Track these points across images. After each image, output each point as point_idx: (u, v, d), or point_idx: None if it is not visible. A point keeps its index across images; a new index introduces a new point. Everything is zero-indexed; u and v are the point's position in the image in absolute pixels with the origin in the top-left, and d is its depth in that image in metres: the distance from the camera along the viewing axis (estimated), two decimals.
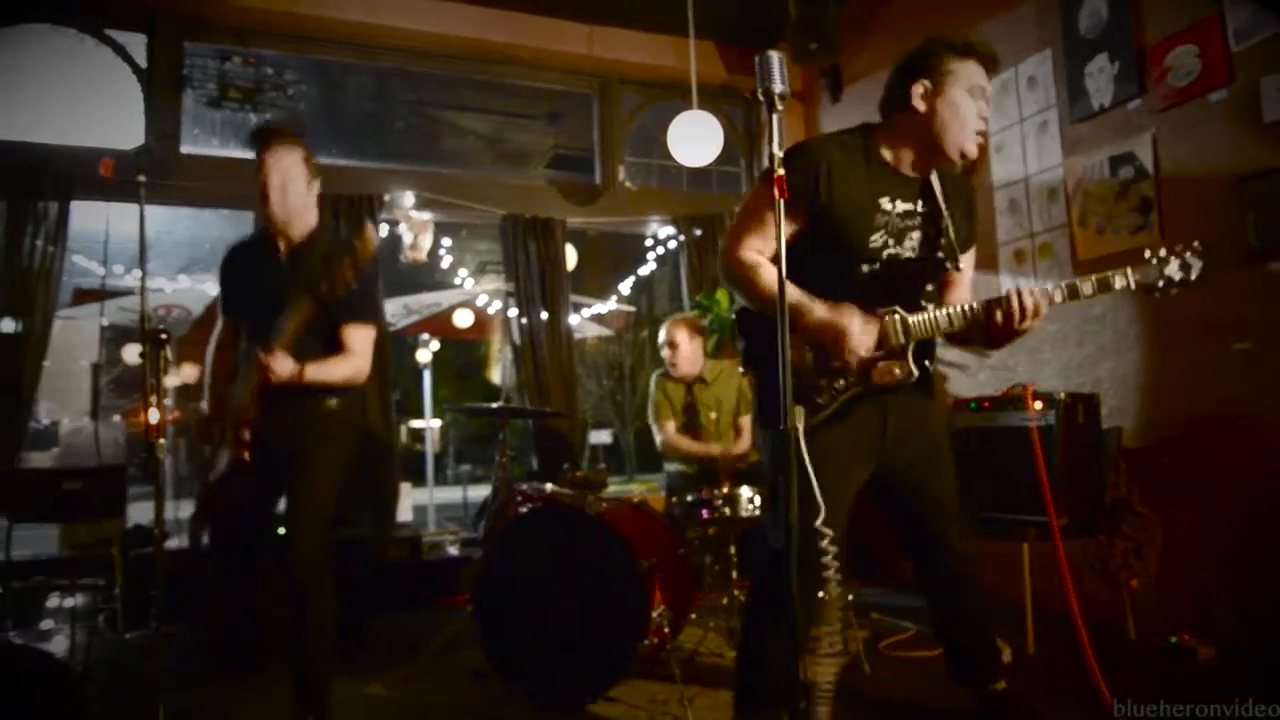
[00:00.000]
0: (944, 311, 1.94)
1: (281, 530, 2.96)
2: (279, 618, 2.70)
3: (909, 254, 1.98)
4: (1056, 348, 3.78)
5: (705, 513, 3.19)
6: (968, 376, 4.24)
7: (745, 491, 3.13)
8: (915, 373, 1.94)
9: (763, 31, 4.61)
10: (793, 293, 1.87)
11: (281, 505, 2.64)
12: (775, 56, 1.55)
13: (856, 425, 1.95)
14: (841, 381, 1.95)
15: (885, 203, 1.94)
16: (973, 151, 1.94)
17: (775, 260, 1.63)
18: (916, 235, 1.98)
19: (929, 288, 2.06)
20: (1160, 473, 3.27)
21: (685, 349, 4.02)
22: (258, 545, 2.68)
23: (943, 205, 2.00)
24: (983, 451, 3.23)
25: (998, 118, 4.09)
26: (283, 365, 2.35)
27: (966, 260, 2.06)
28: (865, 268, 1.95)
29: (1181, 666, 2.83)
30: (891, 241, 1.95)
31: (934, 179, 2.02)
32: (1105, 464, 3.27)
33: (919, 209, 1.99)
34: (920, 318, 1.94)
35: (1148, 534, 3.25)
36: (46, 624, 3.87)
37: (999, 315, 1.88)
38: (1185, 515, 3.19)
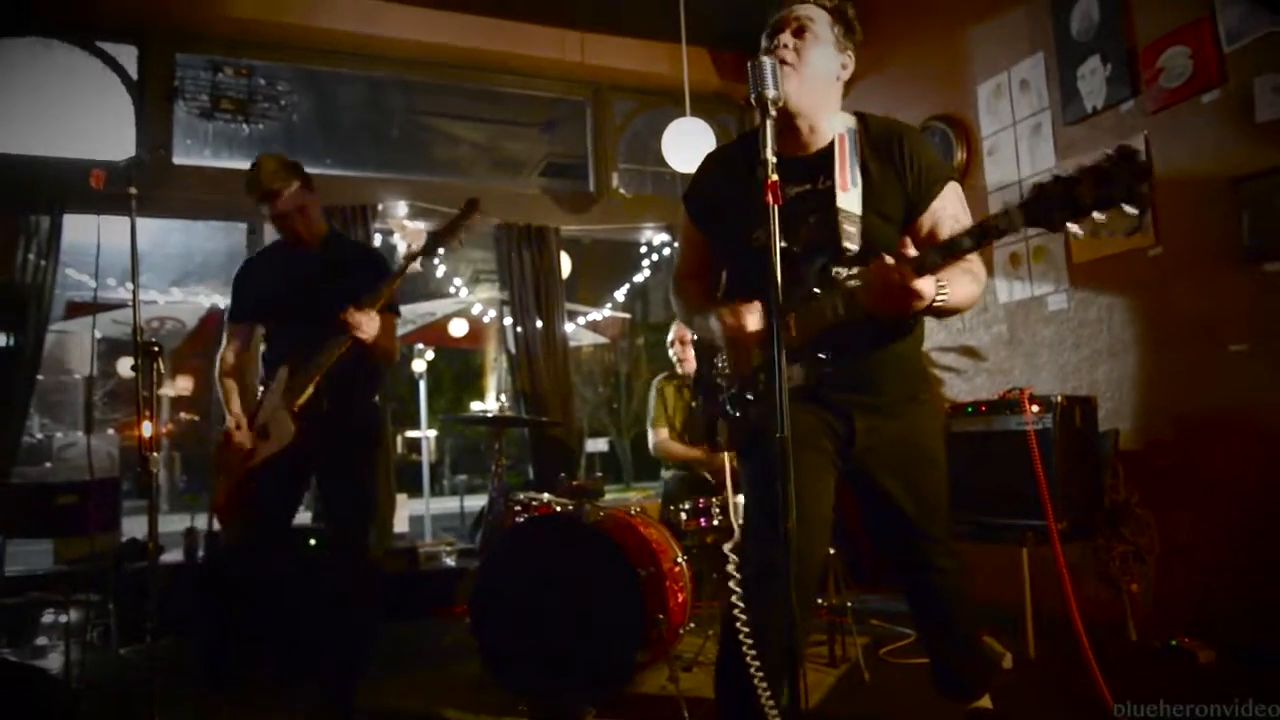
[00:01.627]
0: (826, 297, 1.75)
1: (312, 541, 3.06)
2: (275, 633, 2.74)
3: (808, 240, 1.84)
4: (1053, 351, 3.79)
5: (703, 520, 3.19)
6: (964, 381, 4.25)
7: (743, 498, 3.12)
8: (811, 373, 1.79)
9: (755, 37, 4.63)
10: (703, 308, 1.94)
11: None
12: (768, 62, 1.55)
13: (803, 429, 1.76)
14: (750, 395, 1.89)
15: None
16: (775, 93, 1.54)
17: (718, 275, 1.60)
18: (813, 219, 1.84)
19: (839, 272, 1.78)
20: (1158, 475, 3.27)
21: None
22: (274, 552, 2.80)
23: (846, 171, 1.84)
24: (980, 456, 3.23)
25: (991, 121, 4.12)
26: (370, 323, 2.60)
27: (938, 205, 1.84)
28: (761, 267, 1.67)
29: (1182, 669, 2.83)
30: (782, 234, 1.67)
31: (838, 145, 1.86)
32: (1103, 467, 3.27)
33: (818, 187, 1.85)
34: (805, 310, 1.79)
35: (1147, 537, 3.25)
36: (40, 640, 3.85)
37: (863, 293, 1.67)
38: (1184, 517, 3.19)
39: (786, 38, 1.83)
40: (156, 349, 2.28)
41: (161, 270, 6.78)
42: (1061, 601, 2.48)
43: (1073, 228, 1.37)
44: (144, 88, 4.52)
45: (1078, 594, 2.48)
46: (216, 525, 3.03)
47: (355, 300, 2.64)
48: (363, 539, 2.79)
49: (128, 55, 4.54)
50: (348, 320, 2.59)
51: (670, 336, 4.21)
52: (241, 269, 3.01)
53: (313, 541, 3.49)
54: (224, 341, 2.96)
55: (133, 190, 2.37)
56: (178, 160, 4.55)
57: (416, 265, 2.71)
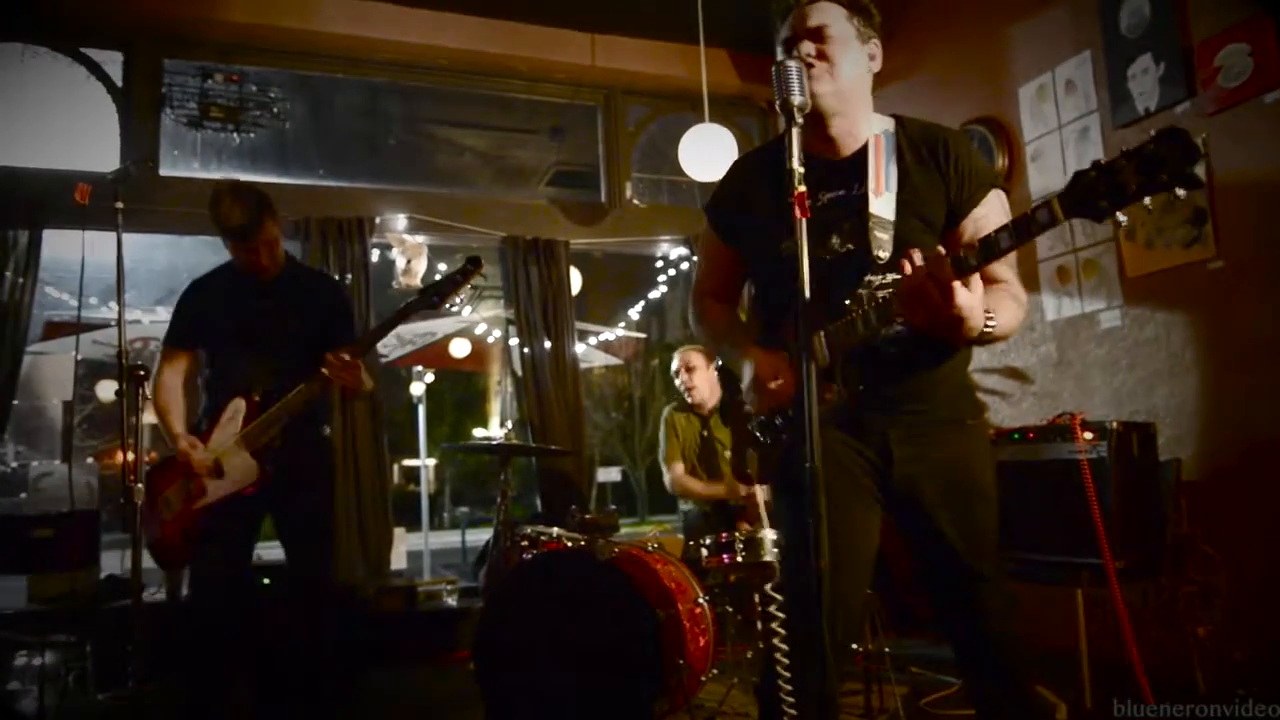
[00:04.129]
0: (857, 309, 1.74)
1: (266, 580, 3.11)
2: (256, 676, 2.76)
3: (840, 249, 1.84)
4: (1106, 373, 3.76)
5: (726, 557, 3.16)
6: (1009, 405, 4.22)
7: (770, 535, 3.10)
8: (843, 394, 1.78)
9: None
10: (729, 336, 1.97)
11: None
12: (793, 66, 1.56)
13: (840, 462, 1.81)
14: (779, 421, 1.90)
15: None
16: (801, 99, 1.57)
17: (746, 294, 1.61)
18: (846, 225, 1.84)
19: (872, 281, 1.76)
20: (1225, 508, 3.22)
21: (702, 374, 4.04)
22: (245, 593, 2.86)
23: (880, 175, 1.84)
24: (1028, 488, 3.19)
25: (1034, 124, 4.11)
26: (354, 371, 2.67)
27: (980, 213, 1.83)
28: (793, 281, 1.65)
29: None
30: (813, 243, 1.72)
31: (873, 147, 1.88)
32: (1164, 499, 3.22)
33: (853, 192, 1.86)
34: (835, 326, 1.77)
35: (1214, 576, 3.20)
36: (13, 684, 3.85)
37: (897, 301, 1.64)
38: (1255, 555, 3.14)
39: (808, 47, 1.83)
40: (142, 372, 2.30)
41: (145, 288, 6.85)
42: (1121, 647, 2.43)
43: (1120, 217, 1.36)
44: (130, 95, 4.59)
45: (1138, 639, 2.44)
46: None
47: (319, 333, 2.74)
48: (329, 575, 2.93)
49: (113, 62, 4.62)
50: (334, 365, 2.64)
51: (675, 364, 4.19)
52: (190, 290, 3.04)
53: (266, 581, 3.54)
54: (158, 365, 2.97)
55: (119, 205, 2.40)
56: (164, 171, 4.62)
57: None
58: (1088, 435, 3.06)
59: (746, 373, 1.90)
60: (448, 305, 2.77)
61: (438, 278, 2.91)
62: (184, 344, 2.97)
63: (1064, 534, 3.05)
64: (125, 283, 2.67)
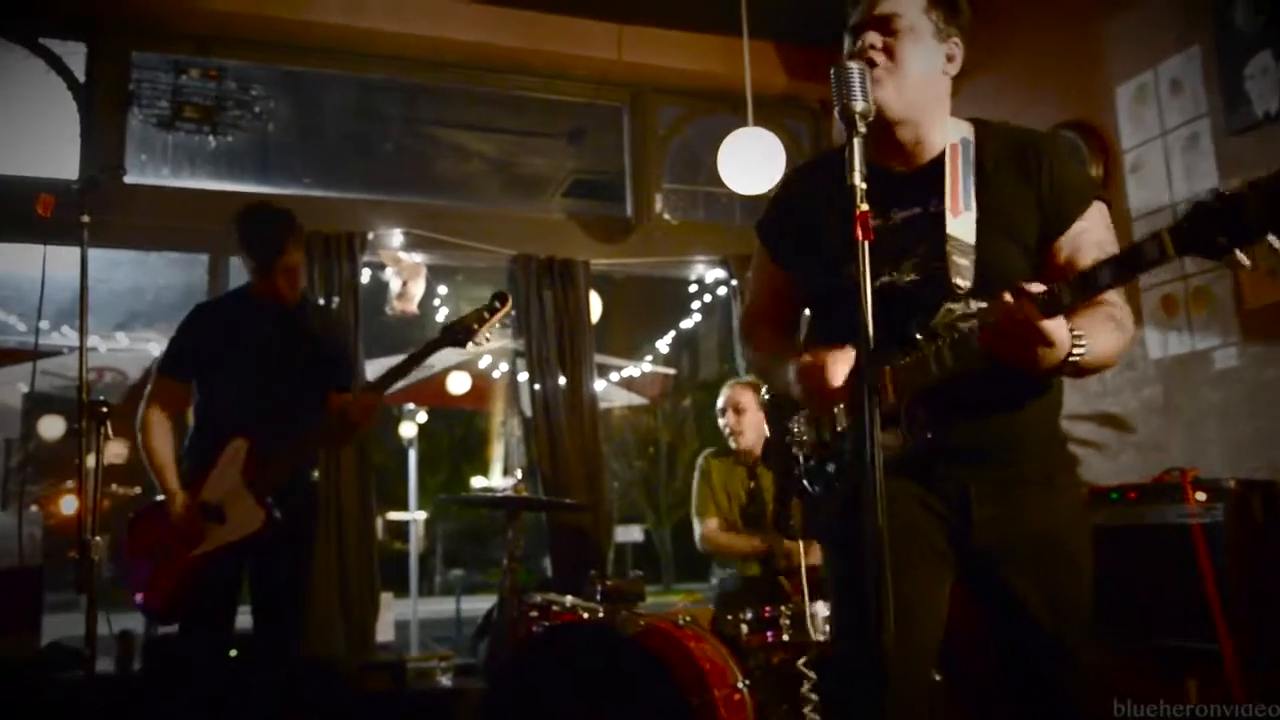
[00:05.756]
0: (930, 344, 1.75)
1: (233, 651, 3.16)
2: None
3: (914, 275, 1.86)
4: (1222, 422, 3.72)
5: (769, 634, 3.14)
6: (1106, 458, 4.18)
7: (821, 609, 3.08)
8: (909, 443, 1.78)
9: (832, 28, 4.69)
10: (783, 361, 1.97)
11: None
12: (854, 68, 1.60)
13: (907, 518, 1.79)
14: (832, 467, 1.90)
15: (874, 219, 1.66)
16: (863, 105, 1.60)
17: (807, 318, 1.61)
18: (922, 248, 1.86)
19: (952, 310, 1.78)
20: None
21: (752, 416, 4.04)
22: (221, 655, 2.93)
23: (958, 191, 1.85)
24: (1129, 556, 3.17)
25: (1134, 130, 4.12)
26: (370, 414, 2.90)
27: (1079, 230, 1.84)
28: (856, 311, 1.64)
29: None
30: (886, 268, 1.82)
31: (950, 158, 1.88)
32: None
33: (929, 210, 1.88)
34: (903, 363, 1.78)
35: None
36: None
37: (978, 339, 1.65)
38: None
39: (873, 38, 1.86)
40: (105, 409, 2.36)
41: (104, 311, 6.95)
42: None
43: (1241, 258, 1.36)
44: (93, 92, 4.69)
45: None
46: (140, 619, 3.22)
47: (324, 373, 2.91)
48: (297, 639, 3.08)
49: (75, 54, 4.73)
50: (353, 406, 2.81)
51: (721, 402, 4.21)
52: (193, 315, 3.17)
53: (233, 652, 3.58)
54: (149, 398, 3.08)
55: (85, 219, 2.48)
56: (130, 179, 4.70)
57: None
58: (1200, 495, 3.04)
59: (793, 376, 1.88)
60: (471, 344, 2.93)
61: (463, 313, 3.06)
62: (182, 373, 3.08)
63: (1172, 613, 3.02)
64: (79, 304, 2.74)
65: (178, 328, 3.19)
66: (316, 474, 3.22)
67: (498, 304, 2.94)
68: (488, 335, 2.93)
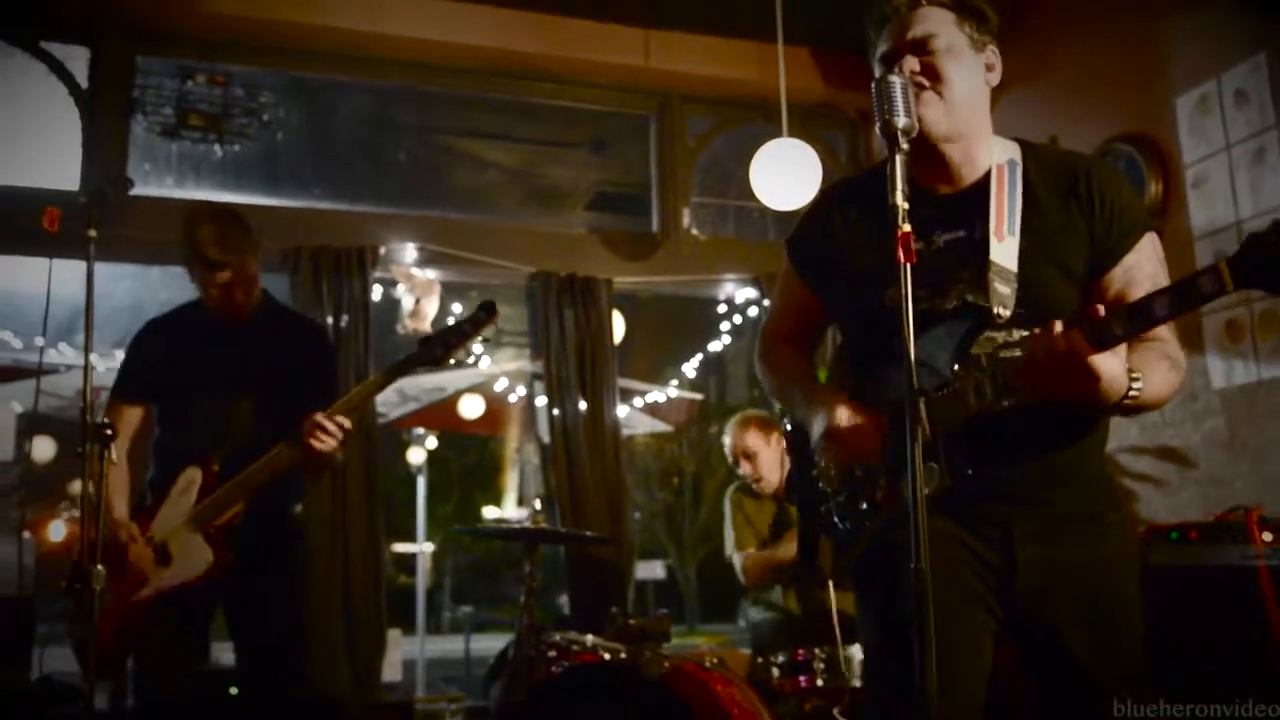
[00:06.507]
0: (970, 377, 1.76)
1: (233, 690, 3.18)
2: None
3: (954, 302, 1.87)
4: None
5: (804, 679, 3.15)
6: (1165, 495, 4.16)
7: (856, 653, 3.09)
8: (946, 480, 1.76)
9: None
10: (797, 381, 2.06)
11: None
12: (897, 81, 1.64)
13: (947, 560, 1.78)
14: (865, 504, 1.91)
15: (915, 242, 1.68)
16: (907, 120, 1.64)
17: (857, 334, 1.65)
18: (966, 274, 1.88)
19: (995, 338, 1.82)
20: None
21: (766, 455, 4.06)
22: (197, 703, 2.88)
23: (1003, 215, 1.88)
24: (1188, 601, 3.15)
25: (1195, 143, 4.12)
26: (335, 437, 2.72)
27: (1132, 261, 1.87)
28: (893, 338, 1.68)
29: None
30: (925, 293, 1.82)
31: (995, 179, 1.92)
32: None
33: (974, 234, 1.90)
34: (939, 395, 1.79)
35: None
36: None
37: (1021, 372, 1.68)
38: None
39: (913, 63, 1.89)
40: (109, 431, 2.40)
41: (104, 328, 7.04)
42: None
43: None
44: (95, 98, 4.79)
45: None
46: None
47: (296, 389, 2.80)
48: (301, 684, 2.98)
49: (77, 59, 4.82)
50: (317, 429, 2.68)
51: (727, 443, 4.21)
52: (146, 331, 3.13)
53: (233, 691, 3.59)
54: (113, 419, 3.04)
55: (92, 233, 2.52)
56: (134, 190, 4.75)
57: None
58: (1267, 536, 3.02)
59: (818, 424, 1.94)
60: (452, 361, 2.82)
61: (450, 322, 2.99)
62: (135, 396, 3.05)
63: (1236, 663, 2.99)
64: (79, 322, 2.80)
65: (127, 346, 3.15)
66: (299, 509, 3.10)
67: (483, 315, 2.78)
68: (477, 350, 2.87)
